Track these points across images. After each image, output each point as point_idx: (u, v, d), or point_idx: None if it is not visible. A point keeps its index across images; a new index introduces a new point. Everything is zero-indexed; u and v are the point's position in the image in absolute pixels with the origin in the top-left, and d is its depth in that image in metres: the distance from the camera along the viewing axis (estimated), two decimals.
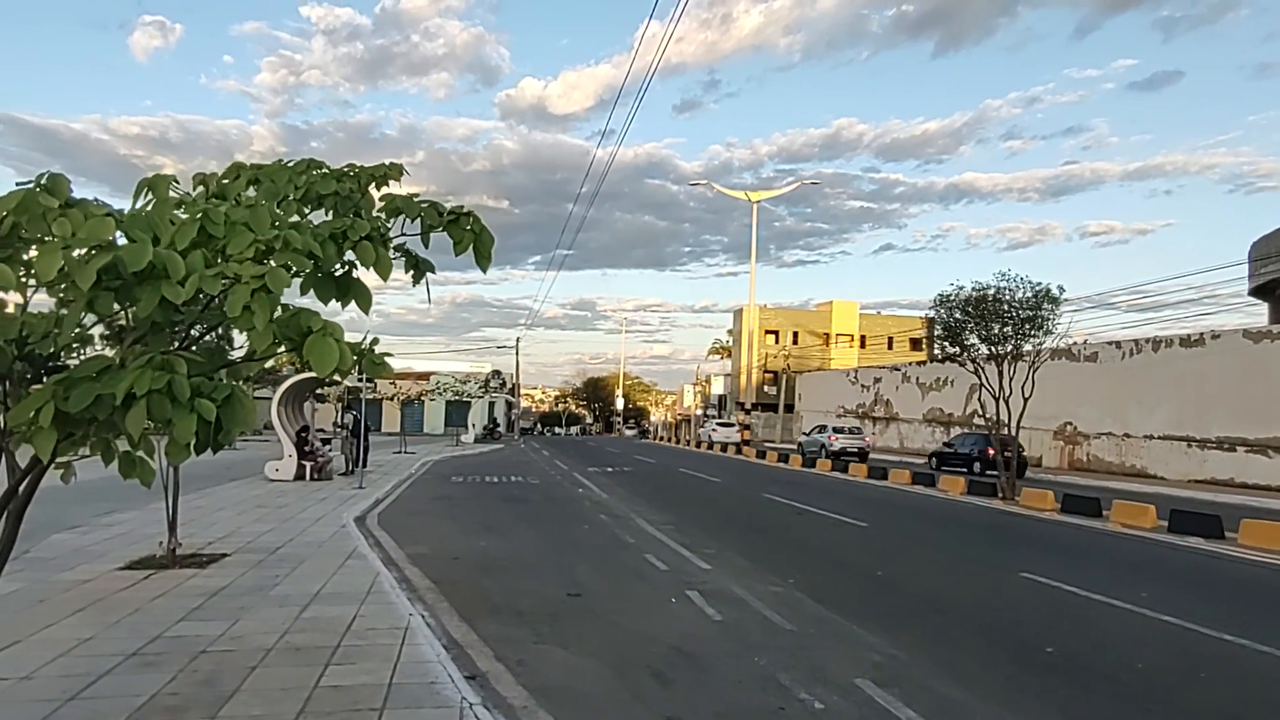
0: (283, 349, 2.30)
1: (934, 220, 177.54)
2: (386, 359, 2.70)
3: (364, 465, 20.84)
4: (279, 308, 2.29)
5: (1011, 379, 19.26)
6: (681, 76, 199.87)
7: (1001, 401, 19.35)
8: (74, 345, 2.50)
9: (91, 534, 10.69)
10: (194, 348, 2.62)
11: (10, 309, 2.38)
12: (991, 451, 28.62)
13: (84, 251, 2.05)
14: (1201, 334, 28.31)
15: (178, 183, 2.71)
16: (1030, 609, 8.40)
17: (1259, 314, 39.49)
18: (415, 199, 2.98)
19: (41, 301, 2.57)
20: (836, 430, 37.38)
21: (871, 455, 34.46)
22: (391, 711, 4.73)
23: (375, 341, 2.68)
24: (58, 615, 6.64)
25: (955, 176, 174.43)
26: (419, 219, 2.91)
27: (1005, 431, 19.54)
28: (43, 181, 2.29)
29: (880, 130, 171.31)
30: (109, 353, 2.78)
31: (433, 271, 3.02)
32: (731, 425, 51.25)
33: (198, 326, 2.68)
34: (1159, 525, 14.57)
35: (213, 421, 2.07)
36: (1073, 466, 32.70)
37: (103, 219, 2.10)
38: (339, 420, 29.50)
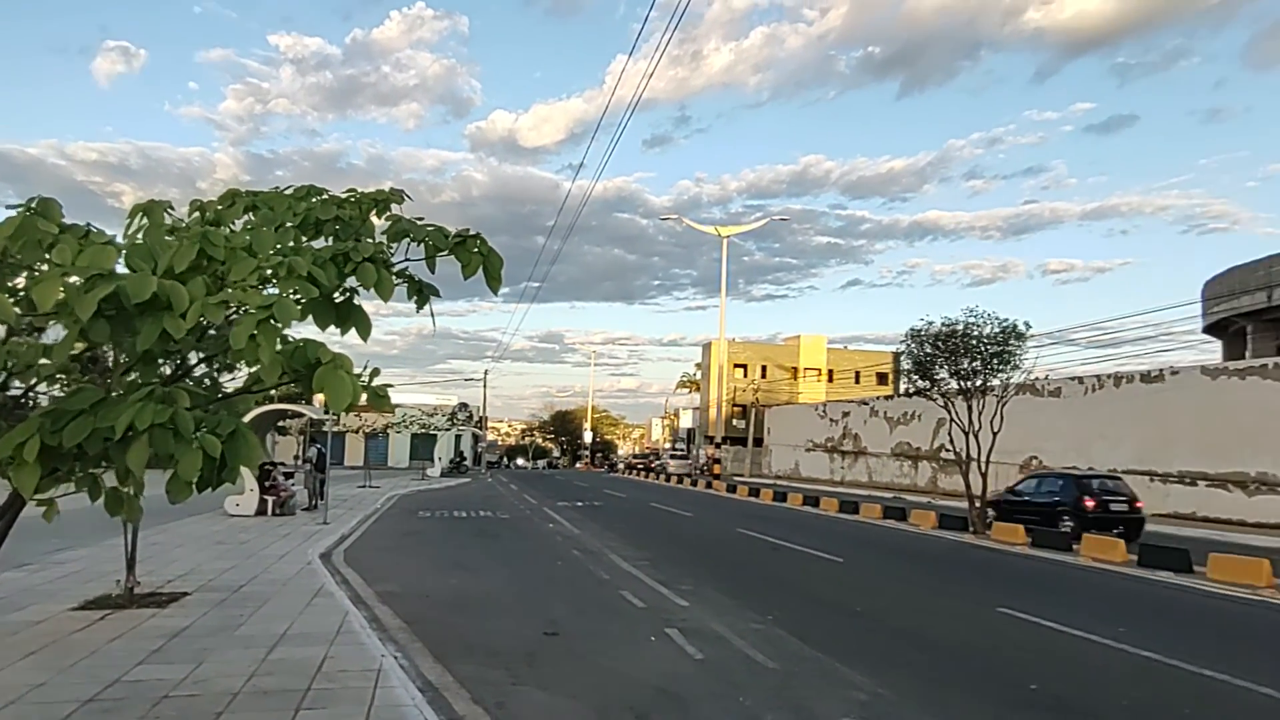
0: (288, 381, 2.20)
1: (900, 256, 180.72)
2: (388, 390, 2.60)
3: (325, 500, 20.35)
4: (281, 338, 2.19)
5: (980, 413, 19.51)
6: (652, 111, 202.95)
7: (971, 436, 19.59)
8: (57, 377, 2.37)
9: (42, 572, 10.24)
10: (188, 379, 2.50)
11: None
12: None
13: (83, 280, 1.94)
14: (1161, 370, 28.98)
15: (172, 209, 2.60)
16: (1011, 645, 8.38)
17: (1212, 350, 40.75)
18: (421, 222, 2.91)
19: None
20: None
21: (839, 490, 33.85)
22: None
23: (376, 373, 2.58)
24: (8, 659, 6.30)
25: (920, 214, 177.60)
26: (424, 243, 2.84)
27: (975, 465, 19.72)
28: (33, 206, 2.18)
29: (847, 168, 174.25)
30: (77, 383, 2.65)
31: (437, 296, 2.95)
32: (685, 458, 58.58)
33: (194, 356, 2.57)
34: (1129, 559, 14.74)
35: (217, 458, 1.97)
36: None
37: (103, 246, 1.99)
38: (302, 453, 28.84)
